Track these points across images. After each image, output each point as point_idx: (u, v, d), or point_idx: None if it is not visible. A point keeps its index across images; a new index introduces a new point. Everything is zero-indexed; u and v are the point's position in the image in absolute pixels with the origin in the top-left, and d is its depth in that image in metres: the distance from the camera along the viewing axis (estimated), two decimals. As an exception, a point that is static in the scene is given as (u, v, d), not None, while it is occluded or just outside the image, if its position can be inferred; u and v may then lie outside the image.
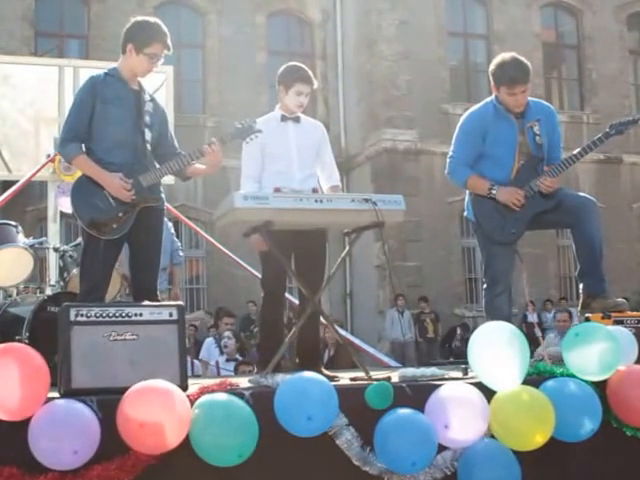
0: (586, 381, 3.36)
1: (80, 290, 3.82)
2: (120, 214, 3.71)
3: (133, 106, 3.82)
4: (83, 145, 3.78)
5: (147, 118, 3.85)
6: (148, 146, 3.84)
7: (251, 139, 3.93)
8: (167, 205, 4.30)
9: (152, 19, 3.90)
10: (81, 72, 6.75)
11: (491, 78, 4.14)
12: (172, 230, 7.03)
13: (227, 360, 8.03)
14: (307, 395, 2.94)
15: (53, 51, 13.99)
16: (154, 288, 3.84)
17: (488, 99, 4.23)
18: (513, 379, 3.20)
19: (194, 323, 11.30)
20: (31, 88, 7.22)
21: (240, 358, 8.07)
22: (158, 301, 3.75)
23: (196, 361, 8.60)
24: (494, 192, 4.05)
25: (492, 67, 4.14)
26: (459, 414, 3.05)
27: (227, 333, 8.33)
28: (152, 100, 3.94)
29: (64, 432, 2.68)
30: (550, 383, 3.31)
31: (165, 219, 6.82)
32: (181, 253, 7.01)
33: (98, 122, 3.75)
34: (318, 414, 2.92)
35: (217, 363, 8.10)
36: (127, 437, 2.74)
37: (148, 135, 3.84)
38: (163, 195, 3.95)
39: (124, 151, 3.76)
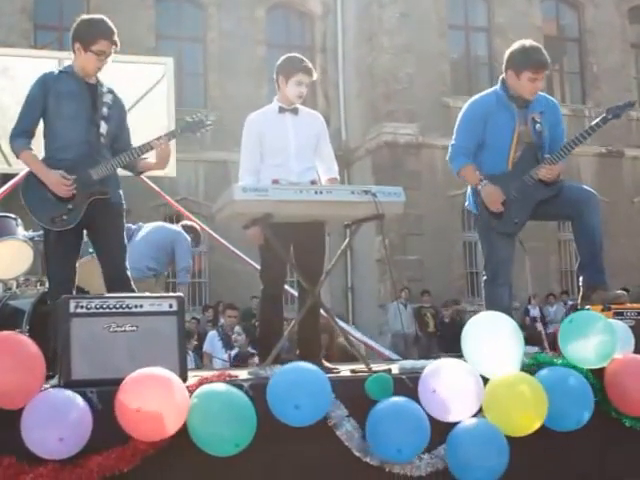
0: (583, 371, 3.36)
1: (49, 288, 3.85)
2: (70, 206, 3.73)
3: (88, 99, 3.82)
4: (32, 140, 3.80)
5: (104, 110, 3.85)
6: (102, 139, 3.84)
7: (202, 133, 3.98)
8: (168, 199, 4.28)
9: (97, 16, 3.90)
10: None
11: (509, 64, 4.07)
12: (183, 245, 6.55)
13: (237, 355, 8.03)
14: (296, 384, 2.94)
15: (52, 44, 13.95)
16: (124, 276, 3.82)
17: (492, 88, 4.21)
18: (507, 369, 3.18)
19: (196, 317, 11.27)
20: (30, 81, 7.17)
21: (253, 351, 8.00)
22: (132, 289, 3.76)
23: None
24: (479, 188, 4.03)
25: (512, 52, 4.08)
26: (448, 381, 3.05)
27: (237, 328, 8.28)
28: (111, 92, 3.93)
29: (49, 419, 2.68)
30: (544, 372, 3.31)
31: (174, 233, 6.65)
32: (188, 276, 6.71)
33: (52, 117, 3.78)
34: (306, 403, 2.91)
35: (229, 356, 8.08)
36: (124, 422, 2.74)
37: (104, 128, 3.84)
38: (120, 191, 3.93)
39: (77, 146, 3.77)
